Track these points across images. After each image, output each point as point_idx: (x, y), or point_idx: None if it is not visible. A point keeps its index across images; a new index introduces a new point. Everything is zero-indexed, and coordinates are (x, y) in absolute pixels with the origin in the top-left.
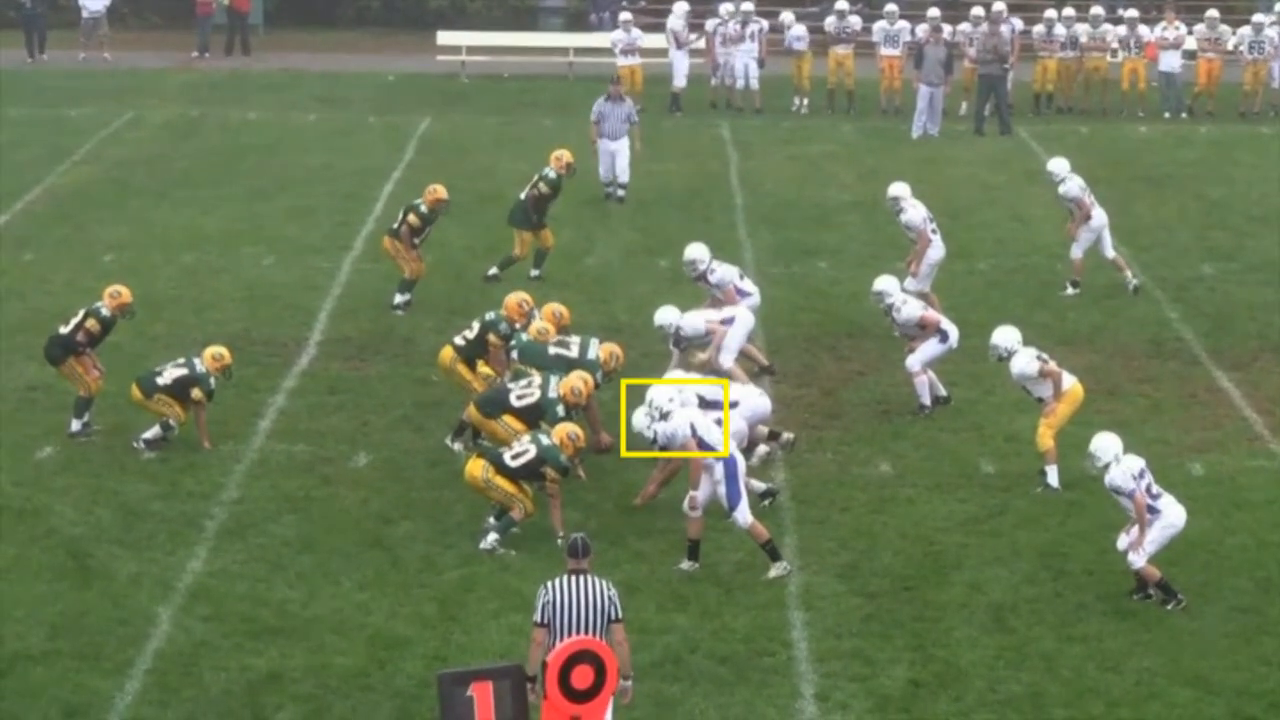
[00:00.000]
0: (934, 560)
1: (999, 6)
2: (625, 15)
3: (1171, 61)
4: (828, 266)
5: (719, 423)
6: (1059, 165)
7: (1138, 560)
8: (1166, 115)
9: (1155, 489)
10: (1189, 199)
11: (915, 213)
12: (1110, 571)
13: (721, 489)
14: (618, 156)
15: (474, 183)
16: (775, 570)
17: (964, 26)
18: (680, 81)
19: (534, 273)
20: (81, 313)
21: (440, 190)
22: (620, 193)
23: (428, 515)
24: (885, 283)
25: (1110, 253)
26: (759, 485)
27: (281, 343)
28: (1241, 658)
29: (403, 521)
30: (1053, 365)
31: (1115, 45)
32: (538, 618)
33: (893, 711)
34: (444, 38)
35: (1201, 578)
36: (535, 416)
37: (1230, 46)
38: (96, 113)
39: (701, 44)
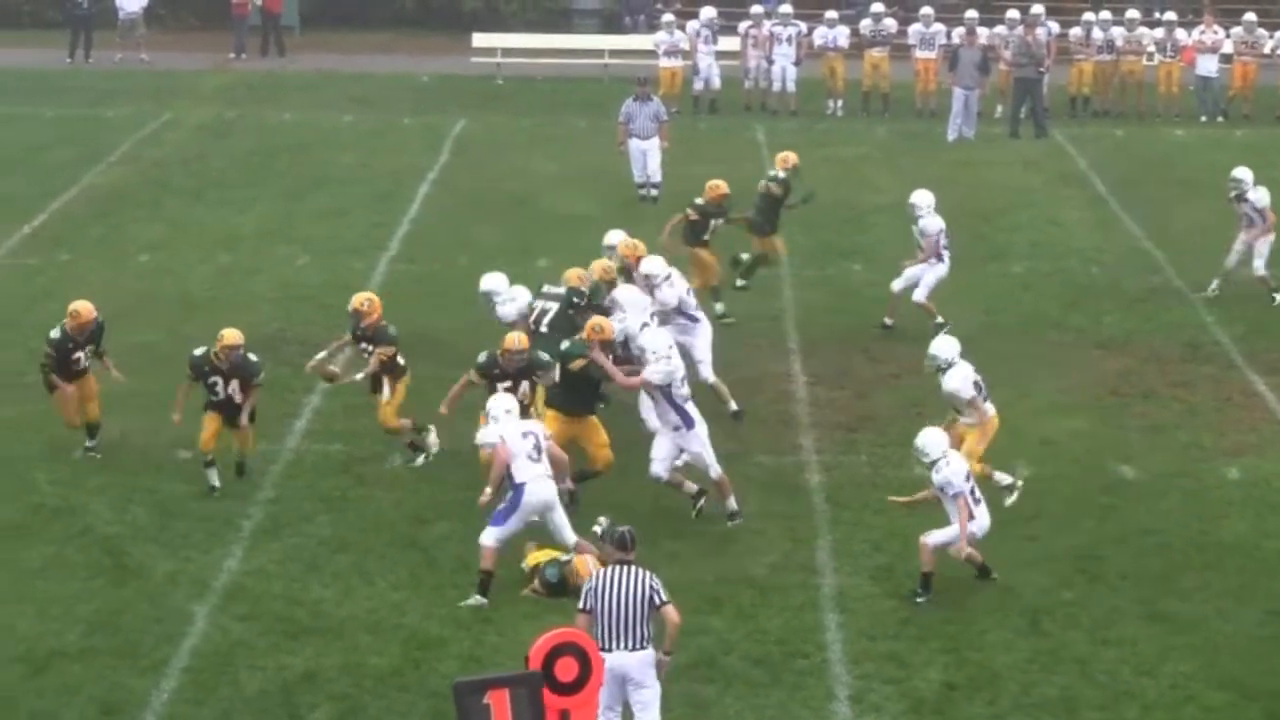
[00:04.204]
0: (968, 563)
1: (1035, 9)
2: (668, 17)
3: (1209, 65)
4: (862, 268)
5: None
6: (1245, 174)
7: (961, 553)
8: (1203, 119)
9: (978, 494)
10: (1224, 202)
11: (932, 222)
12: (1145, 575)
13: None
14: (649, 155)
15: (508, 183)
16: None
17: (999, 29)
18: (700, 85)
19: (740, 283)
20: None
21: (722, 185)
22: (654, 193)
23: (462, 516)
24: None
25: (1263, 269)
26: (692, 486)
27: (316, 343)
28: (1277, 662)
29: (438, 522)
30: (979, 397)
31: (1151, 48)
32: (581, 604)
33: (927, 714)
34: (479, 39)
35: (1237, 581)
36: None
37: (1268, 50)
38: (133, 113)
39: (709, 47)
